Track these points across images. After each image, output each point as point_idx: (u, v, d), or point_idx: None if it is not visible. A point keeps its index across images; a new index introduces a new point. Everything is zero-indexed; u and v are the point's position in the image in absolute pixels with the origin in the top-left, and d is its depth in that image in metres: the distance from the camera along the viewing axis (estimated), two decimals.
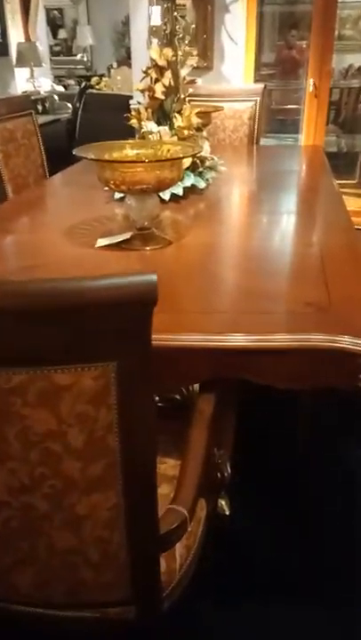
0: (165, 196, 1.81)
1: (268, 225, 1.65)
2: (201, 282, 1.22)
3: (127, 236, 1.46)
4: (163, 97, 1.80)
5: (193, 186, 1.91)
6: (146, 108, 1.83)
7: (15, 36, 7.15)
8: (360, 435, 1.94)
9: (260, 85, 3.10)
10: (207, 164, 1.98)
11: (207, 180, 2.05)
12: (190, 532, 0.95)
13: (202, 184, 1.93)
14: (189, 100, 3.18)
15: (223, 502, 1.56)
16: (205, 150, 1.90)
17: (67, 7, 9.91)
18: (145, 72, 1.85)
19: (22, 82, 5.22)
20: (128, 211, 1.42)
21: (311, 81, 3.75)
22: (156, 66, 1.79)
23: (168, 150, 1.45)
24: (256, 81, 4.06)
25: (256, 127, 3.13)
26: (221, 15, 3.73)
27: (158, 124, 1.87)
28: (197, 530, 1.04)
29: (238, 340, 0.97)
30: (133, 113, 1.86)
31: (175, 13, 2.34)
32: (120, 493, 0.75)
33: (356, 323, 1.02)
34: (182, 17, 3.89)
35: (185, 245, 1.48)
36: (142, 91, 1.82)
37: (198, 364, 0.99)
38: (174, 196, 1.82)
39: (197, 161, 1.92)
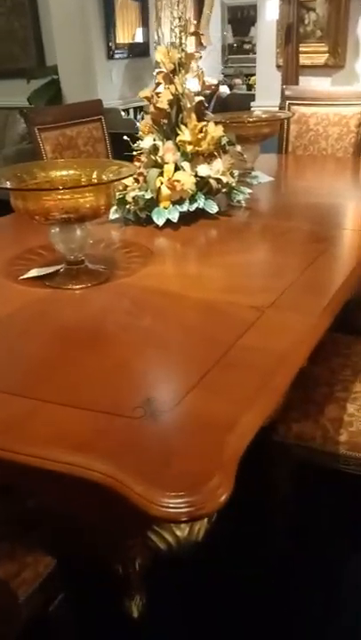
0: (159, 220, 1.56)
1: (241, 269, 1.31)
2: (58, 345, 0.98)
3: (51, 269, 1.26)
4: (167, 107, 1.54)
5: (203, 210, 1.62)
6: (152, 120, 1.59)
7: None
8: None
9: None
10: (231, 185, 1.67)
11: (238, 202, 1.74)
12: None
13: (214, 208, 1.62)
14: (290, 104, 2.83)
15: (133, 603, 1.29)
16: (216, 170, 1.59)
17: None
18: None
19: None
20: (53, 242, 1.22)
21: None
22: (163, 71, 1.54)
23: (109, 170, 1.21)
24: None
25: None
26: (358, 5, 3.24)
27: (167, 138, 1.61)
28: None
29: None
30: (141, 125, 1.63)
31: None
32: None
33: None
34: (312, 10, 3.49)
35: (122, 285, 1.22)
36: (147, 99, 1.58)
37: None
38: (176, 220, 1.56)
39: (211, 181, 1.62)
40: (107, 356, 0.94)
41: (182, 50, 1.49)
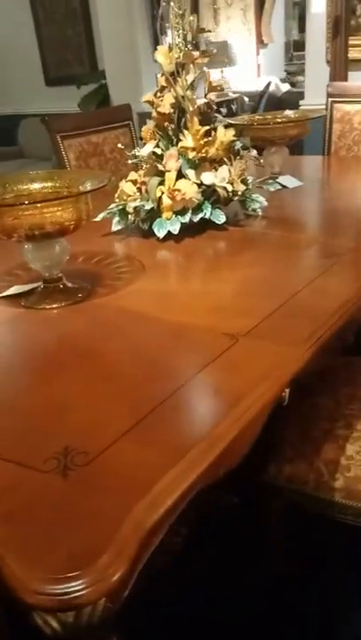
0: (160, 232, 1.46)
1: (232, 288, 1.18)
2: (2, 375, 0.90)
3: (28, 287, 1.19)
4: (170, 111, 1.43)
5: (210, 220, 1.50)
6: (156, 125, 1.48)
7: (246, 34, 7.18)
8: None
9: None
10: (238, 192, 1.54)
11: (254, 210, 1.61)
12: None
13: (221, 219, 1.50)
14: (333, 102, 2.64)
15: None
16: (221, 178, 1.46)
17: None
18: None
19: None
20: (26, 260, 1.15)
21: None
22: (165, 73, 1.43)
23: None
24: None
25: None
26: None
27: (173, 144, 1.51)
28: None
29: None
30: (143, 132, 1.52)
31: None
32: None
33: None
34: None
35: (97, 305, 1.13)
36: (149, 103, 1.48)
37: None
38: (180, 231, 1.45)
39: (219, 190, 1.50)
40: (47, 387, 0.86)
41: (180, 50, 1.37)
